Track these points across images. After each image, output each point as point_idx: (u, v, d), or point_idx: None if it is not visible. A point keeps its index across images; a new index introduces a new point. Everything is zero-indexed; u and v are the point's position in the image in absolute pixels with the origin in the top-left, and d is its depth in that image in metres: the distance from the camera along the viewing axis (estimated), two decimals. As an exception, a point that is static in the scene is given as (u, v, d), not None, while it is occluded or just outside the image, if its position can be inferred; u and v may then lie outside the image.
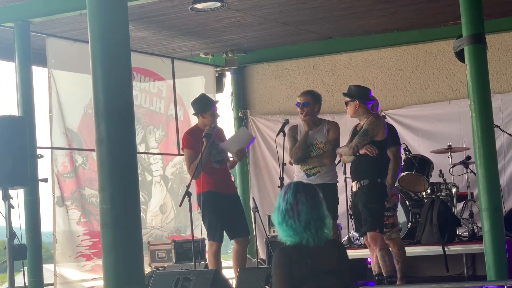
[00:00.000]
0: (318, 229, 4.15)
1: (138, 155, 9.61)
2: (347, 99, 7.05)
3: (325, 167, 7.05)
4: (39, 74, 9.11)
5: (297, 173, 7.07)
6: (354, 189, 6.95)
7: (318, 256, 4.18)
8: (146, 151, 10.01)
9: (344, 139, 10.18)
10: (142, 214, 9.70)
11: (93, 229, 8.92)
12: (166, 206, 10.17)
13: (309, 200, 4.19)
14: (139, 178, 9.67)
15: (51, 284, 8.95)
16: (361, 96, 6.96)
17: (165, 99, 10.30)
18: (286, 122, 7.16)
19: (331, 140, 7.08)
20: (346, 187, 9.04)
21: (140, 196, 9.75)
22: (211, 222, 7.16)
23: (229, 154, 7.36)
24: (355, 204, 6.95)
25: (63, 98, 8.90)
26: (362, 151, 6.83)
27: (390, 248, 7.07)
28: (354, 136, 7.19)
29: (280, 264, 4.20)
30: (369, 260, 9.04)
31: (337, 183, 7.21)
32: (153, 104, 10.17)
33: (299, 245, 4.19)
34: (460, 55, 6.87)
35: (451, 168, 9.07)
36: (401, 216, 8.52)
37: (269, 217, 9.89)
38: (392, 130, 7.36)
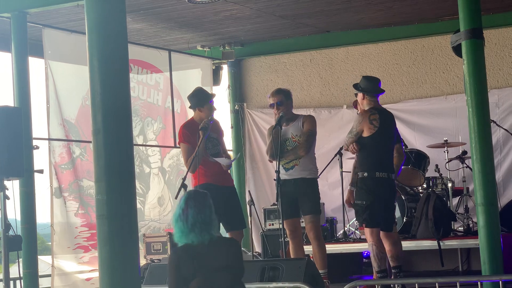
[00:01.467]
0: (202, 230, 4.70)
1: (136, 147, 9.71)
2: (355, 90, 7.11)
3: (302, 161, 7.08)
4: (35, 65, 9.10)
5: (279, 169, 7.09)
6: None
7: (206, 255, 4.68)
8: (144, 143, 10.00)
9: (339, 132, 10.31)
10: (140, 206, 9.71)
11: (91, 220, 8.91)
12: (164, 198, 10.18)
13: (197, 205, 4.77)
14: (137, 170, 9.77)
15: (46, 276, 8.94)
16: (365, 89, 7.02)
17: (162, 91, 10.29)
18: (282, 116, 7.16)
19: (305, 132, 7.11)
20: (342, 181, 9.05)
21: (138, 188, 9.81)
22: (207, 215, 7.16)
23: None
24: None
25: (60, 89, 8.88)
26: (349, 149, 7.03)
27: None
28: None
29: (171, 263, 4.74)
30: (364, 254, 9.07)
31: (317, 178, 7.23)
32: (151, 96, 10.16)
33: (188, 245, 4.73)
34: (457, 50, 6.87)
35: (447, 163, 9.08)
36: (396, 211, 8.54)
37: (264, 210, 9.90)
38: None
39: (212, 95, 7.49)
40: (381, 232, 6.89)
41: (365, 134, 6.89)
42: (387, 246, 6.93)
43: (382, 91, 7.15)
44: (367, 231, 6.84)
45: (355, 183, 6.98)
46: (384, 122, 6.94)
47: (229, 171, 7.57)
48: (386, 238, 6.93)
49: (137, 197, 9.50)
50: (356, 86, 7.10)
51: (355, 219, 8.62)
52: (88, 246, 8.89)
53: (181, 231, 4.75)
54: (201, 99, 7.37)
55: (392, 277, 6.90)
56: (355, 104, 7.67)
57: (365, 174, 6.85)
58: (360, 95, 7.05)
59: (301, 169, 7.10)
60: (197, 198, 4.86)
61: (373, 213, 6.81)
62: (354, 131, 6.92)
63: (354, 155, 7.81)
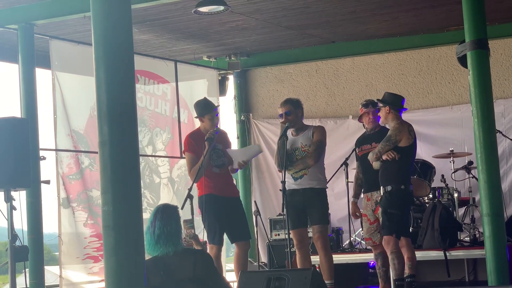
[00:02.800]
0: (167, 242, 4.92)
1: (146, 157, 9.72)
2: (380, 104, 7.12)
3: (311, 170, 7.10)
4: (42, 76, 9.14)
5: (287, 178, 7.10)
6: (381, 195, 7.10)
7: (172, 266, 4.82)
8: (153, 153, 10.01)
9: (344, 142, 10.31)
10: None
11: (100, 231, 8.87)
12: (174, 208, 10.17)
13: (164, 217, 5.01)
14: (147, 180, 9.79)
15: (53, 286, 8.94)
16: (392, 103, 7.10)
17: (170, 101, 10.31)
18: (288, 126, 7.18)
19: (315, 142, 7.13)
20: (348, 191, 9.05)
21: (149, 198, 9.83)
22: (211, 225, 7.17)
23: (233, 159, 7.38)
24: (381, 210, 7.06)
25: (67, 100, 8.90)
26: (384, 157, 7.02)
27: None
28: (362, 142, 7.51)
29: None
30: (370, 264, 9.06)
31: (326, 188, 7.25)
32: (159, 107, 10.18)
33: (156, 258, 4.95)
34: (462, 60, 6.90)
35: (453, 173, 9.07)
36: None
37: (270, 220, 9.90)
38: None
39: (214, 106, 7.50)
40: (404, 240, 6.95)
41: (403, 144, 7.00)
42: (408, 253, 6.98)
43: (406, 109, 7.29)
44: (391, 240, 6.89)
45: (387, 193, 6.98)
46: (415, 135, 7.11)
47: (234, 181, 7.57)
48: (409, 246, 7.01)
49: (148, 207, 9.61)
50: (382, 100, 7.15)
51: (361, 229, 8.62)
52: (98, 256, 8.86)
53: (148, 243, 4.97)
54: (203, 109, 7.40)
55: (405, 287, 6.91)
56: (360, 119, 7.67)
57: (402, 186, 6.96)
58: (385, 109, 7.09)
59: (310, 179, 7.12)
60: (165, 211, 5.10)
61: (405, 224, 7.02)
62: (393, 140, 6.99)
63: (356, 167, 7.84)
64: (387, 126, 7.27)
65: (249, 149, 7.47)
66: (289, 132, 7.22)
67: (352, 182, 8.25)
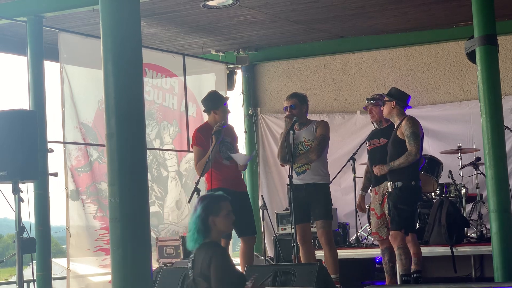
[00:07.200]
0: (193, 234, 4.89)
1: (154, 151, 9.74)
2: (386, 99, 7.09)
3: (314, 165, 7.10)
4: (51, 68, 9.16)
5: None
6: (389, 190, 7.08)
7: (194, 259, 4.82)
8: (160, 147, 10.03)
9: (352, 137, 10.31)
10: (159, 209, 9.76)
11: (111, 223, 8.93)
12: (181, 202, 10.21)
13: (193, 211, 4.97)
14: (155, 174, 9.81)
15: (60, 278, 8.96)
16: (399, 98, 7.10)
17: (178, 95, 10.33)
18: (296, 120, 7.18)
19: (318, 136, 7.13)
20: (355, 186, 9.05)
21: (157, 191, 9.85)
22: (220, 219, 7.17)
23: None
24: (389, 205, 7.06)
25: (76, 93, 8.92)
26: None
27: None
28: (371, 137, 7.48)
29: None
30: (377, 259, 9.07)
31: (329, 183, 7.24)
32: (166, 100, 10.20)
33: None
34: (471, 56, 6.87)
35: (460, 169, 9.06)
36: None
37: (277, 215, 9.91)
38: None
39: (226, 98, 7.52)
40: (410, 235, 6.98)
41: None
42: (414, 249, 7.00)
43: (410, 106, 7.28)
44: (399, 235, 6.90)
45: (397, 189, 6.97)
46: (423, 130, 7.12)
47: (242, 175, 7.58)
48: (415, 242, 7.03)
49: (156, 200, 9.64)
50: (388, 94, 7.13)
51: (367, 224, 8.62)
52: (109, 249, 8.89)
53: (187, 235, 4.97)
54: (215, 101, 7.39)
55: (412, 282, 6.91)
56: (369, 108, 7.66)
57: (413, 182, 6.95)
58: (391, 103, 7.06)
59: (313, 174, 7.11)
60: (196, 203, 5.03)
61: (413, 220, 7.08)
62: (417, 133, 6.94)
63: (366, 160, 7.84)
64: (392, 121, 7.26)
65: (240, 156, 7.42)
66: None
67: (359, 177, 8.25)
